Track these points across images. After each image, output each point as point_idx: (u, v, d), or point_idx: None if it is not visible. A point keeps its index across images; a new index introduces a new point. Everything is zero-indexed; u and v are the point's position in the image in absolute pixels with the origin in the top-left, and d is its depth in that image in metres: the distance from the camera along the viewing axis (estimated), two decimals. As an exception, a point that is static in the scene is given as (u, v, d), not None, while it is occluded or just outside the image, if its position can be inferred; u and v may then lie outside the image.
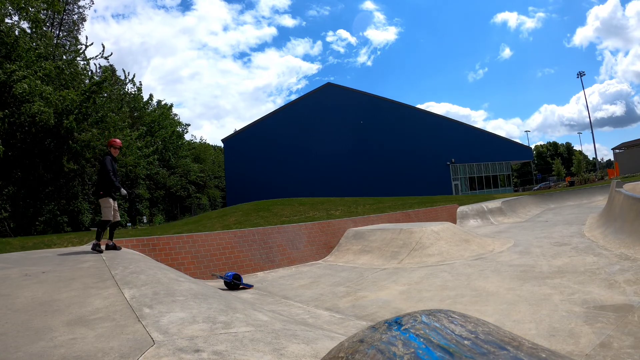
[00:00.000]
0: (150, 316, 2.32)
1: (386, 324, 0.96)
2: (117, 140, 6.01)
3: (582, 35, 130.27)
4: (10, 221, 16.13)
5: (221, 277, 5.95)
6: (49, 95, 13.72)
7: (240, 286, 5.81)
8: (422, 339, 0.85)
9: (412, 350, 0.82)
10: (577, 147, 75.10)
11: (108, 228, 5.70)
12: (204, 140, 57.98)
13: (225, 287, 5.72)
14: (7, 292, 2.76)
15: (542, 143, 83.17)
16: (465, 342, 0.84)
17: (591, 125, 49.68)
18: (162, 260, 5.94)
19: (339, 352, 0.96)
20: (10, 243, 7.56)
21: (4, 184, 15.52)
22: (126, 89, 24.14)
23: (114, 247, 5.88)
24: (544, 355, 0.79)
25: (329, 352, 1.05)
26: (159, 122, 28.53)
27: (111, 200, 5.54)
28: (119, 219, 5.95)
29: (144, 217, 30.46)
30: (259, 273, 7.18)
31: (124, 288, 2.98)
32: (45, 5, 15.09)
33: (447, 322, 0.93)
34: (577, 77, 48.53)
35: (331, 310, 4.33)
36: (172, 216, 37.34)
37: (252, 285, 5.99)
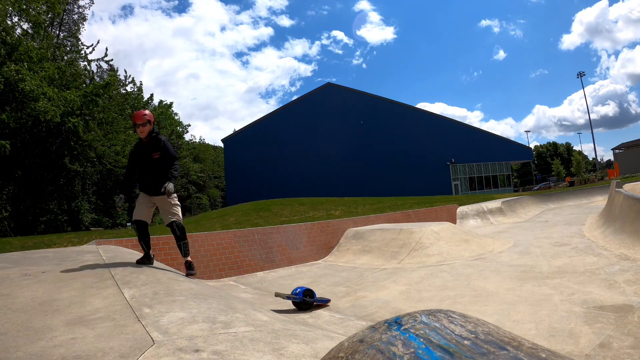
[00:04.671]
0: (150, 316, 2.32)
1: (386, 324, 0.96)
2: (137, 113, 4.23)
3: (572, 38, 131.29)
4: (10, 221, 16.14)
5: (288, 298, 4.42)
6: (53, 95, 13.77)
7: (315, 304, 4.49)
8: (422, 339, 0.85)
9: (412, 350, 0.82)
10: (576, 148, 75.15)
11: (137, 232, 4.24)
12: (202, 140, 57.99)
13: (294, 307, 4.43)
14: (7, 292, 2.76)
15: (540, 143, 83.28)
16: (465, 342, 0.84)
17: (591, 126, 49.75)
18: (162, 260, 5.94)
19: (339, 352, 0.96)
20: (10, 243, 7.57)
21: (4, 183, 15.53)
22: (127, 90, 24.17)
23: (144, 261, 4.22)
24: (544, 355, 0.79)
25: (328, 352, 1.05)
26: (159, 121, 28.51)
27: (140, 196, 4.25)
28: (166, 222, 4.27)
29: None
30: (258, 273, 7.18)
31: (124, 288, 2.98)
32: (45, 8, 15.13)
33: (447, 322, 0.93)
34: (577, 77, 48.59)
35: (331, 310, 4.33)
36: (172, 216, 37.26)
37: (329, 300, 4.69)
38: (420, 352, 0.80)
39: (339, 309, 4.36)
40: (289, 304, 4.56)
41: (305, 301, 4.37)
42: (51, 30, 18.56)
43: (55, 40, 18.01)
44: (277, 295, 4.53)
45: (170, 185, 3.97)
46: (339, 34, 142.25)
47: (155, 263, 4.33)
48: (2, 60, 13.04)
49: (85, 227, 20.15)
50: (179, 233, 4.24)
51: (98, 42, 21.59)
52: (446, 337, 0.85)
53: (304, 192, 26.29)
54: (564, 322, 3.05)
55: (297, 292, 4.38)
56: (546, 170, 63.10)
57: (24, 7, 14.20)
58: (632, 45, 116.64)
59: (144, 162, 4.13)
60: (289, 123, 36.53)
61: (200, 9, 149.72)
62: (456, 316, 0.96)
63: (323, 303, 4.56)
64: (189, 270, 4.30)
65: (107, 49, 18.94)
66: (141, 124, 4.08)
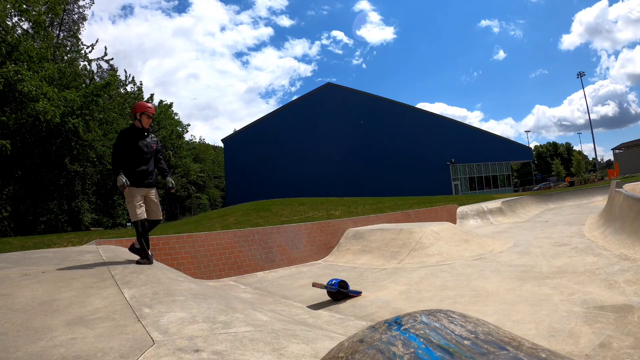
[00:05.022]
0: (150, 316, 2.32)
1: (386, 324, 0.96)
2: (151, 105, 4.19)
3: (571, 39, 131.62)
4: (10, 221, 16.14)
5: (324, 287, 4.70)
6: (53, 95, 13.78)
7: (350, 295, 4.76)
8: (422, 339, 0.85)
9: (412, 350, 0.82)
10: (576, 148, 75.15)
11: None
12: (202, 140, 57.99)
13: (329, 297, 4.73)
14: (7, 292, 2.76)
15: (540, 143, 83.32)
16: (465, 342, 0.84)
17: (591, 126, 49.72)
18: (162, 260, 5.94)
19: (339, 352, 0.96)
20: (10, 243, 7.57)
21: (4, 183, 15.54)
22: (127, 89, 24.19)
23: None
24: (543, 355, 0.79)
25: (328, 352, 1.05)
26: (159, 121, 28.55)
27: (133, 191, 3.94)
28: (156, 217, 4.19)
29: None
30: (258, 273, 7.18)
31: (124, 288, 2.98)
32: (44, 9, 15.15)
33: (447, 322, 0.93)
34: (577, 77, 48.58)
35: (331, 310, 4.33)
36: (172, 216, 37.35)
37: (361, 292, 4.91)
38: (420, 352, 0.80)
39: (339, 309, 4.36)
40: (288, 304, 4.64)
41: (340, 291, 4.68)
42: (51, 30, 18.57)
43: (55, 40, 18.02)
44: (314, 285, 4.90)
45: (173, 181, 4.21)
46: (339, 34, 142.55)
47: (155, 263, 4.33)
48: (2, 60, 13.05)
49: (85, 227, 20.16)
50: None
51: (97, 41, 21.67)
52: (446, 337, 0.85)
53: (304, 192, 26.28)
54: (564, 322, 3.05)
55: (332, 283, 4.70)
56: (546, 170, 63.09)
57: (24, 7, 14.21)
58: (632, 45, 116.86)
59: (142, 150, 4.03)
60: (289, 123, 36.51)
61: (200, 9, 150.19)
62: (456, 316, 0.96)
63: (355, 294, 4.81)
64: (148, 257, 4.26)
65: (106, 48, 19.02)
66: (152, 116, 4.20)
